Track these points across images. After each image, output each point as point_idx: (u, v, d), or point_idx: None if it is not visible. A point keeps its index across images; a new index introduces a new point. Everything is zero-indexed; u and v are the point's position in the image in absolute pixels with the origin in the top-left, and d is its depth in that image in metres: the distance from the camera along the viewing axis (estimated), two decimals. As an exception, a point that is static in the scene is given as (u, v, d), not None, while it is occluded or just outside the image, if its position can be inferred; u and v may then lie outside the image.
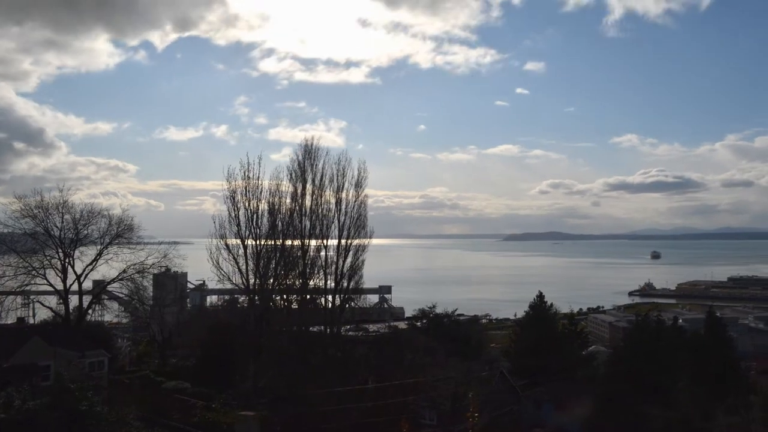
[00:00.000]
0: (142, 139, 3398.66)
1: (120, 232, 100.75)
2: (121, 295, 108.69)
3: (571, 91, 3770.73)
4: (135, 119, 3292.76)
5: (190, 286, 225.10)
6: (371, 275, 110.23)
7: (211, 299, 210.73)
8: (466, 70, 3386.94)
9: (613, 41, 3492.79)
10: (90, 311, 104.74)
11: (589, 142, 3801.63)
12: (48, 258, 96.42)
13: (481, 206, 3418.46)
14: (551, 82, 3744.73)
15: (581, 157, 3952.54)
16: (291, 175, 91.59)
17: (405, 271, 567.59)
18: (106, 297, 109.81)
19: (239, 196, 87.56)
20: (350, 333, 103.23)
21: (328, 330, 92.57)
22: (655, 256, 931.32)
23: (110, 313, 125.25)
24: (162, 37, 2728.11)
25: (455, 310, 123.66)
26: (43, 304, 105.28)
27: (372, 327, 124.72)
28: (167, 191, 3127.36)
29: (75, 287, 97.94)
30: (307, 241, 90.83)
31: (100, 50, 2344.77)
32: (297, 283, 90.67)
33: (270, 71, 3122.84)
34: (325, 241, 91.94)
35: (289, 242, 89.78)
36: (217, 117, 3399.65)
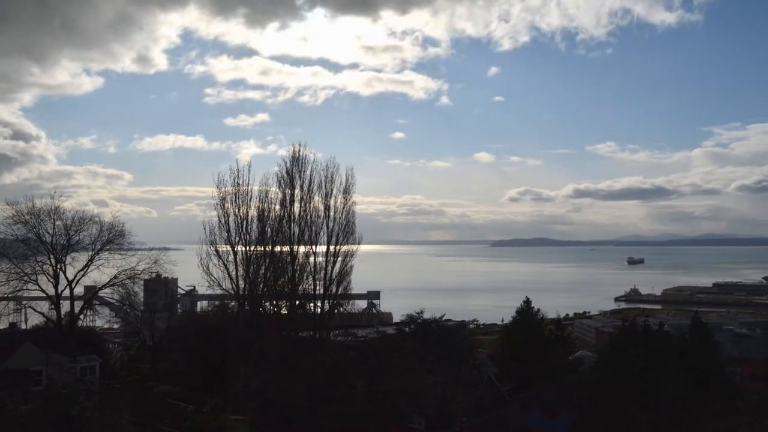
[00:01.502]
0: (128, 147, 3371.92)
1: (111, 238, 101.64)
2: (112, 301, 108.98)
3: (550, 99, 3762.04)
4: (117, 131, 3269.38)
5: (180, 291, 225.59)
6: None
7: (202, 305, 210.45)
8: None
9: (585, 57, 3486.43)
10: (81, 317, 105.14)
11: (568, 149, 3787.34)
12: (40, 264, 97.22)
13: (465, 213, 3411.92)
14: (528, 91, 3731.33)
15: (558, 163, 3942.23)
16: (280, 182, 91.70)
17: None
18: (98, 302, 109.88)
19: (229, 203, 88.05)
20: (339, 338, 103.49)
21: (318, 335, 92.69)
22: (632, 261, 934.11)
23: (101, 319, 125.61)
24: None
25: (443, 315, 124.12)
26: (35, 310, 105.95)
27: (360, 332, 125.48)
28: (157, 198, 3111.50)
29: (67, 293, 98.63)
30: (296, 247, 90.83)
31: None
32: (286, 288, 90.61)
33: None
34: (314, 247, 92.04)
35: (278, 248, 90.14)
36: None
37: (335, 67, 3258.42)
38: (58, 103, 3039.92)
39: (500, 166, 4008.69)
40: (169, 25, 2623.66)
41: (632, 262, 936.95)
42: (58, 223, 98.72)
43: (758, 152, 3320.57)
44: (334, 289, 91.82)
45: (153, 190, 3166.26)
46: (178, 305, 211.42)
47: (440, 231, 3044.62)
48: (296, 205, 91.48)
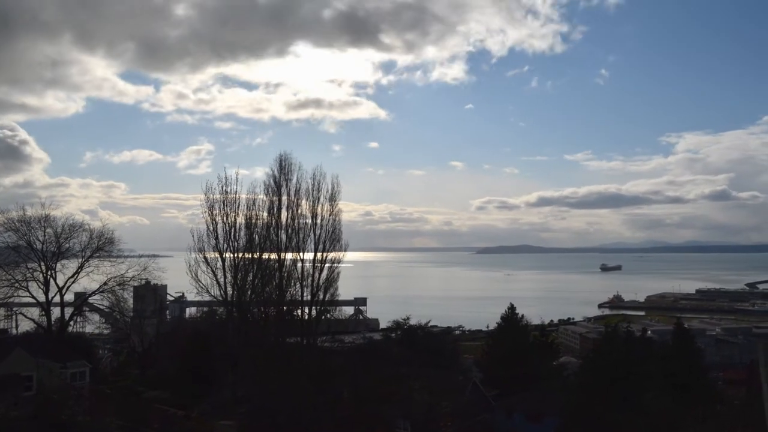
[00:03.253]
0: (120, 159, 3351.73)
1: (101, 245, 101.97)
2: (102, 307, 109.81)
3: (521, 108, 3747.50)
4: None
5: (169, 298, 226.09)
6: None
7: (190, 311, 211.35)
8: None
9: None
10: (71, 323, 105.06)
11: (544, 156, 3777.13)
12: (30, 271, 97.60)
13: (448, 220, 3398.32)
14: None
15: (534, 171, 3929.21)
16: (267, 189, 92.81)
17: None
18: (88, 309, 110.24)
19: (217, 211, 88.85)
20: (326, 344, 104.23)
21: (305, 341, 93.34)
22: (605, 268, 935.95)
23: (91, 325, 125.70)
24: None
25: (428, 321, 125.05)
26: (25, 316, 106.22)
27: (348, 338, 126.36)
28: (146, 205, 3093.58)
29: (57, 299, 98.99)
30: (283, 254, 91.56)
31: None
32: (274, 295, 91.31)
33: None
34: (301, 254, 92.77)
35: (266, 255, 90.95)
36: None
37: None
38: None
39: (474, 174, 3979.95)
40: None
41: (605, 268, 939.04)
42: (48, 230, 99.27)
43: (732, 159, 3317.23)
44: (321, 296, 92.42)
45: (141, 198, 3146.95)
46: (167, 312, 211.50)
47: (424, 238, 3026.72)
48: (283, 212, 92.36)
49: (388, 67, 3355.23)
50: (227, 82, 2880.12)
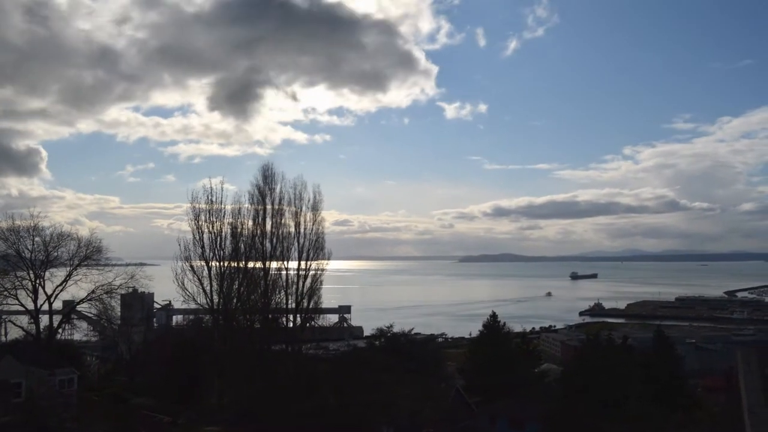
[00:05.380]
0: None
1: (88, 254, 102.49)
2: (90, 315, 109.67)
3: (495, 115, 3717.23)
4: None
5: (156, 306, 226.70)
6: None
7: (177, 319, 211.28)
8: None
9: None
10: (60, 330, 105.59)
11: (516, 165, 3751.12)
12: (19, 279, 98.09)
13: (428, 229, 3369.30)
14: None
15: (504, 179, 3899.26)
16: (252, 199, 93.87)
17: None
18: (76, 317, 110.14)
19: (203, 220, 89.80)
20: (311, 351, 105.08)
21: (290, 348, 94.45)
22: (575, 276, 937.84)
23: (79, 332, 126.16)
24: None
25: (412, 329, 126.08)
26: (14, 324, 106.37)
27: (332, 345, 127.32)
28: (134, 214, 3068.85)
29: (45, 307, 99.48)
30: (268, 262, 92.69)
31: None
32: (259, 303, 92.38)
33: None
34: (285, 263, 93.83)
35: (251, 264, 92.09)
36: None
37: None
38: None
39: (447, 183, 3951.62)
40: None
41: (575, 277, 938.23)
42: (37, 239, 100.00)
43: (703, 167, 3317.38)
44: (305, 304, 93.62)
45: (128, 207, 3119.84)
46: (154, 319, 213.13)
47: (406, 247, 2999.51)
48: (268, 221, 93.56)
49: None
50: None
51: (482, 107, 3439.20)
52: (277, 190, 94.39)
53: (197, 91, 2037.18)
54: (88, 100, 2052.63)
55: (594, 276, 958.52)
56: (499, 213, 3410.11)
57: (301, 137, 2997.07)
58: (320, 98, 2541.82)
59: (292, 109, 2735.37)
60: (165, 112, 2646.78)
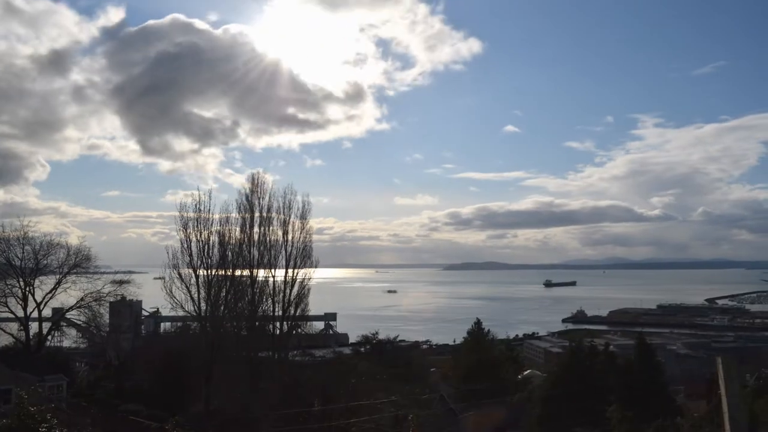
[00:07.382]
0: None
1: (78, 262, 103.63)
2: (79, 322, 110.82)
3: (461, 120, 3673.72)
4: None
5: (144, 313, 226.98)
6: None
7: (165, 326, 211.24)
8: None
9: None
10: (49, 337, 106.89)
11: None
12: (9, 287, 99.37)
13: (408, 237, 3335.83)
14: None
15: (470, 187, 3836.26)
16: (240, 207, 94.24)
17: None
18: (65, 324, 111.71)
19: (191, 228, 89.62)
20: (297, 358, 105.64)
21: (276, 355, 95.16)
22: (548, 284, 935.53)
23: (69, 339, 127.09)
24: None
25: (397, 336, 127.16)
26: (4, 331, 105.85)
27: (318, 352, 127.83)
28: (121, 222, 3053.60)
29: (35, 314, 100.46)
30: (255, 270, 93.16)
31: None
32: (246, 310, 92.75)
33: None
34: (273, 271, 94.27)
35: (238, 272, 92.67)
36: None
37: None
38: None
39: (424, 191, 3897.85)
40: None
41: (549, 284, 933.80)
42: (26, 247, 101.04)
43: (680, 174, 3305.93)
44: (292, 311, 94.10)
45: (118, 216, 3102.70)
46: (142, 326, 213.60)
47: (387, 254, 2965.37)
48: (256, 229, 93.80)
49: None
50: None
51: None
52: (266, 199, 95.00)
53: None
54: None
55: (573, 283, 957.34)
56: (485, 221, 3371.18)
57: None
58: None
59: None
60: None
